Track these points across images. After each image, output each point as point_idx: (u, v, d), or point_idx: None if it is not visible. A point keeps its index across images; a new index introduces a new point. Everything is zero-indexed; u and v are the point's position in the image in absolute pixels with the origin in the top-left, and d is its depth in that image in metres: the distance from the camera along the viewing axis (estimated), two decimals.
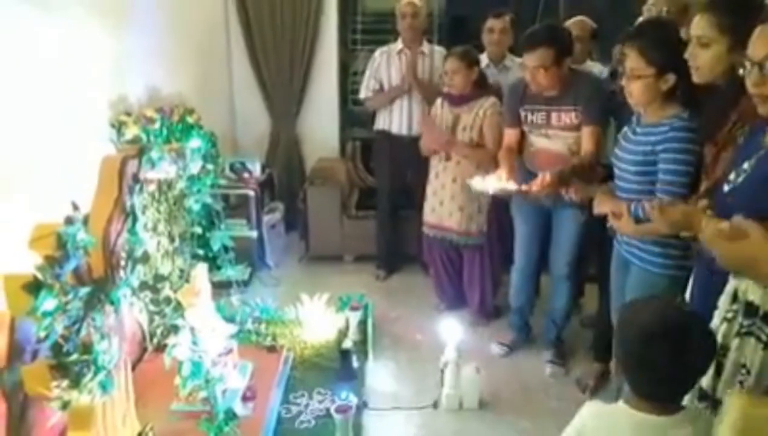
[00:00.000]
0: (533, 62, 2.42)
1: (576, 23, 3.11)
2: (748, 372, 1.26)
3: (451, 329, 2.58)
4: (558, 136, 2.57)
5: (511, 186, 2.46)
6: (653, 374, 1.19)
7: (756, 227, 1.15)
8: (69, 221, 1.47)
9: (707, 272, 1.45)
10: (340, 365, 2.57)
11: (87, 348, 1.50)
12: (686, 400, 1.37)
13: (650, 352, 1.17)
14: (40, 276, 1.37)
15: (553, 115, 2.55)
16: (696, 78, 1.65)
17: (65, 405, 1.47)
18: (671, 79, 1.83)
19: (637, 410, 1.23)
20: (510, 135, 2.72)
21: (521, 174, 2.65)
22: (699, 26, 1.60)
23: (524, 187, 2.40)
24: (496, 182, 2.49)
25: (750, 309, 1.26)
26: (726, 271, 1.30)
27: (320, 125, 4.36)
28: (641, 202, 1.80)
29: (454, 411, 2.50)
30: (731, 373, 1.28)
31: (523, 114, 2.63)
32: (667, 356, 1.15)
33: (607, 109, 2.51)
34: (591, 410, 1.33)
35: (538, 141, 2.63)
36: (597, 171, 2.51)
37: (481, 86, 3.02)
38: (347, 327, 2.82)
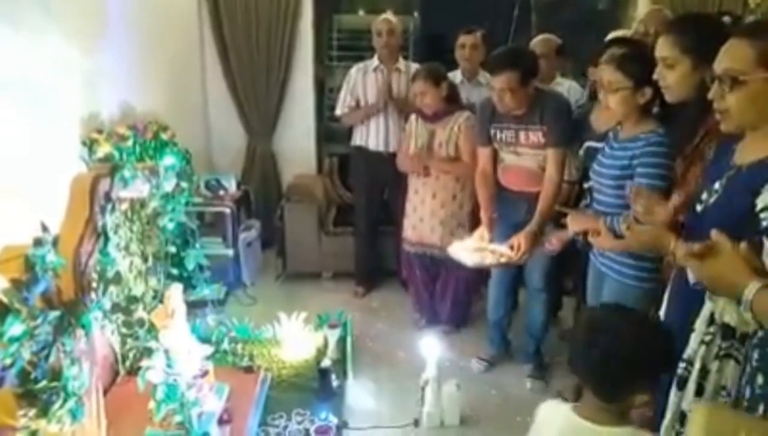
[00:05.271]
0: (499, 85, 2.47)
1: (540, 41, 3.17)
2: (729, 394, 1.27)
3: (431, 347, 2.57)
4: (527, 153, 2.61)
5: (489, 259, 2.54)
6: (581, 366, 1.30)
7: (726, 243, 1.15)
8: (38, 242, 1.43)
9: (683, 287, 1.46)
10: (319, 385, 2.53)
11: (56, 374, 1.45)
12: (666, 421, 1.38)
13: (576, 346, 1.33)
14: (6, 300, 1.32)
15: (522, 133, 2.59)
16: (667, 97, 1.71)
17: (33, 435, 1.41)
18: (648, 92, 1.87)
19: (579, 414, 1.30)
20: (483, 155, 2.76)
21: (496, 194, 2.73)
22: (663, 48, 1.64)
23: (503, 260, 2.51)
24: (475, 251, 2.57)
25: (727, 331, 1.27)
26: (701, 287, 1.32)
27: (297, 141, 4.34)
28: (616, 218, 1.83)
29: (435, 429, 2.48)
30: (712, 396, 1.29)
31: (492, 132, 2.67)
32: (581, 347, 1.29)
33: (574, 130, 2.56)
34: (545, 407, 1.42)
35: (508, 158, 2.68)
36: (563, 191, 2.58)
37: (453, 100, 3.05)
38: (326, 345, 2.79)
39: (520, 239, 2.46)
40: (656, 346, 1.25)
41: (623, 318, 1.28)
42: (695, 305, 1.35)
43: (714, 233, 1.18)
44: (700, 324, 1.33)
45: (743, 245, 1.14)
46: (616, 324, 1.26)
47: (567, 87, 3.11)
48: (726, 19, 1.61)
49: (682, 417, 1.36)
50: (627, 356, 1.22)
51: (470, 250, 2.59)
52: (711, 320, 1.31)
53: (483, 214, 2.75)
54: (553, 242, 2.47)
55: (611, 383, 1.26)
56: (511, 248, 2.49)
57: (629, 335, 1.23)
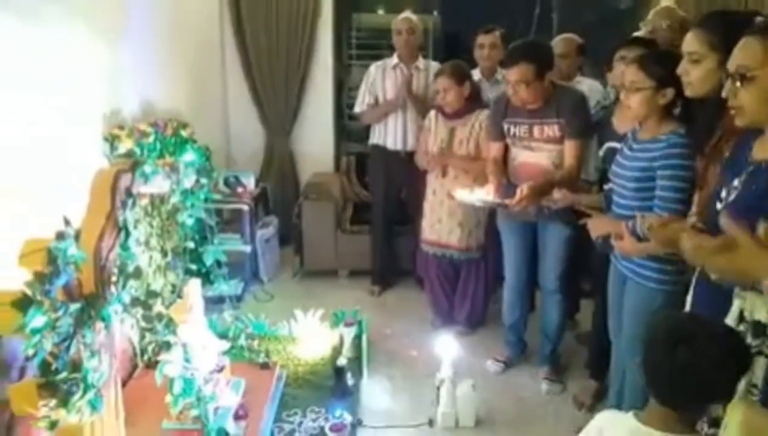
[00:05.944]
0: (514, 77, 2.45)
1: (561, 41, 3.14)
2: (761, 391, 1.25)
3: (447, 346, 2.56)
4: (541, 148, 2.58)
5: (494, 199, 2.50)
6: (658, 376, 1.27)
7: (745, 236, 1.11)
8: (60, 236, 1.44)
9: (707, 287, 1.44)
10: (335, 383, 2.54)
11: (76, 366, 1.46)
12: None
13: (653, 354, 1.27)
14: (29, 292, 1.34)
15: (536, 128, 2.56)
16: (688, 93, 1.69)
17: (53, 425, 1.43)
18: (670, 93, 1.85)
19: (644, 423, 1.28)
20: (494, 148, 2.74)
21: (507, 189, 2.67)
22: (690, 43, 1.63)
23: (507, 201, 2.43)
24: (481, 196, 2.54)
25: (758, 328, 1.25)
26: (729, 286, 1.30)
27: (315, 140, 4.36)
28: (636, 219, 1.80)
29: (450, 429, 2.47)
30: (743, 394, 1.27)
31: (506, 127, 2.65)
32: (664, 359, 1.24)
33: (591, 124, 2.54)
34: (603, 416, 1.43)
35: (521, 154, 2.65)
36: (579, 186, 2.53)
37: (475, 99, 3.03)
38: (341, 344, 2.79)
39: (524, 188, 2.37)
40: (735, 356, 1.22)
41: (704, 329, 1.25)
42: (720, 306, 1.33)
43: (726, 223, 1.13)
44: (729, 321, 1.31)
45: (762, 226, 1.11)
46: (697, 335, 1.22)
47: (588, 86, 3.07)
48: (759, 19, 1.58)
49: (714, 421, 1.34)
50: (708, 368, 1.19)
51: (476, 196, 2.56)
52: (741, 318, 1.29)
53: (492, 178, 2.63)
54: (557, 196, 2.38)
55: (690, 394, 1.23)
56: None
57: (711, 346, 1.20)
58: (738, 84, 1.25)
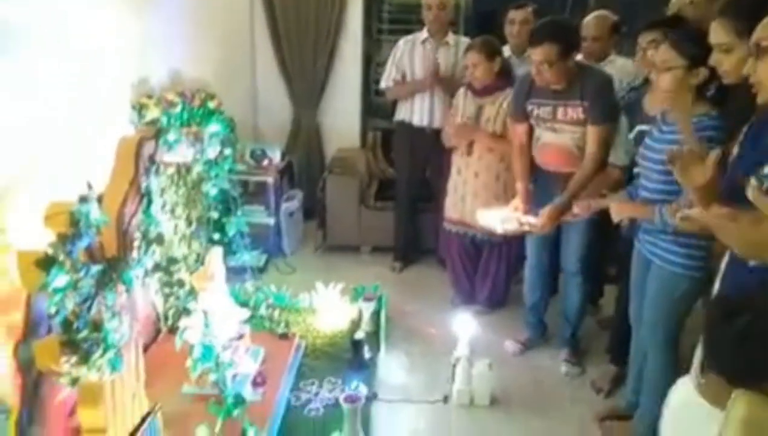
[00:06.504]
0: (538, 57, 2.39)
1: (594, 20, 2.99)
2: None
3: (465, 325, 2.56)
4: (564, 130, 2.53)
5: (512, 226, 2.58)
6: (722, 352, 1.24)
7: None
8: (83, 199, 1.48)
9: (738, 271, 1.40)
10: (352, 355, 2.57)
11: (97, 326, 1.51)
12: None
13: (713, 331, 1.25)
14: (52, 252, 1.38)
15: (560, 109, 2.51)
16: (725, 81, 1.63)
17: (74, 381, 1.49)
18: (702, 73, 1.77)
19: (702, 393, 1.34)
20: (519, 131, 2.70)
21: (533, 196, 2.67)
22: (717, 34, 1.57)
23: (532, 222, 2.51)
24: (507, 217, 2.60)
25: None
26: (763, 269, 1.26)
27: (342, 114, 4.34)
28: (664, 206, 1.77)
29: (464, 407, 2.48)
30: None
31: (529, 108, 2.60)
32: (724, 332, 1.21)
33: (616, 107, 2.47)
34: (681, 382, 1.49)
35: (544, 135, 2.60)
36: (607, 173, 2.48)
37: (506, 76, 2.97)
38: (360, 318, 2.81)
39: (544, 212, 2.46)
40: None
41: (754, 300, 1.23)
42: (754, 289, 1.29)
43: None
44: None
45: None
46: (751, 305, 1.20)
47: (620, 66, 2.97)
48: None
49: None
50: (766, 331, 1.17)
51: (498, 217, 2.61)
52: None
53: (519, 185, 2.69)
54: (576, 211, 2.36)
55: (746, 365, 1.20)
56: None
57: (765, 312, 1.18)
58: (756, 59, 1.24)
